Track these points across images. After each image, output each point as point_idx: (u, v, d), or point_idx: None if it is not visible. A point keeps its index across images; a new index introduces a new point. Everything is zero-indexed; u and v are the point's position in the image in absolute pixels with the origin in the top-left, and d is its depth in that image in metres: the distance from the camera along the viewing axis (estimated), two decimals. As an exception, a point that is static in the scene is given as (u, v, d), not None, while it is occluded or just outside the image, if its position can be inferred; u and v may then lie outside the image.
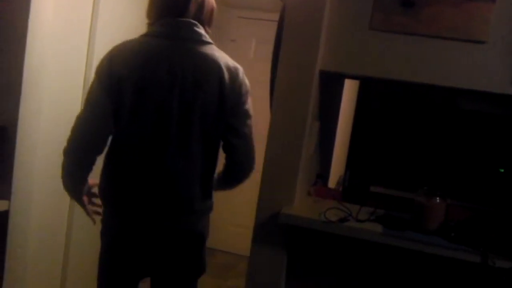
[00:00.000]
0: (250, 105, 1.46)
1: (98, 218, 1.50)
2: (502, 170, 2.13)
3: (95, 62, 2.53)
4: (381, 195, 2.09)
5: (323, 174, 2.13)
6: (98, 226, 1.48)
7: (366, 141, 2.37)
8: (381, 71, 1.67)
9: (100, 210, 1.50)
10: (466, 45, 1.61)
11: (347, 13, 1.69)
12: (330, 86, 2.02)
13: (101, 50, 2.60)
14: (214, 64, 1.37)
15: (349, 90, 2.43)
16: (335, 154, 2.44)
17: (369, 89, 2.38)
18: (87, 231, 2.66)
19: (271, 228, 1.78)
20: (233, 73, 1.41)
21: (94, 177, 1.46)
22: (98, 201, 1.49)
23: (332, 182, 2.31)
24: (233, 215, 4.43)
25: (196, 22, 1.39)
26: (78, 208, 1.58)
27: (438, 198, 1.67)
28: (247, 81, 1.46)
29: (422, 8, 1.61)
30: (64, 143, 1.37)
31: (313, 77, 1.67)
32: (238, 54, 4.49)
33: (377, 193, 2.10)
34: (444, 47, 1.63)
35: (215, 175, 1.51)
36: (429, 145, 2.24)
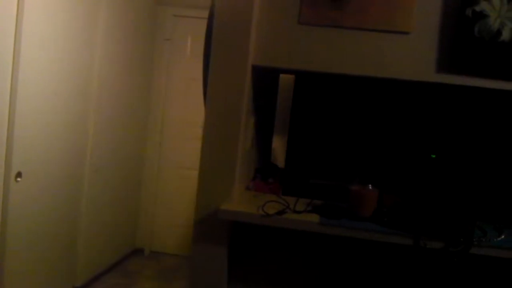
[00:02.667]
0: None
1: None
2: (434, 156, 2.23)
3: (23, 63, 2.38)
4: (319, 187, 2.13)
5: (262, 168, 2.13)
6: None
7: (303, 135, 2.40)
8: (311, 64, 1.70)
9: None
10: (391, 36, 1.67)
11: (276, 8, 1.70)
12: (265, 81, 2.02)
13: (28, 50, 2.50)
14: None
15: (285, 84, 2.46)
16: (275, 148, 2.46)
17: (304, 83, 2.42)
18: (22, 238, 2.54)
19: (211, 225, 1.76)
20: None
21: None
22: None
23: (272, 176, 2.32)
24: (173, 217, 4.37)
25: None
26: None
27: (370, 186, 1.73)
28: None
29: (349, 1, 1.66)
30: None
31: (246, 72, 1.67)
32: (174, 52, 4.43)
33: (315, 185, 2.14)
34: (371, 38, 1.68)
35: None
36: (364, 136, 2.30)
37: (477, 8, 1.62)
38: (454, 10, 1.65)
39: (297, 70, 1.78)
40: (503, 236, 1.70)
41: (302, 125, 2.42)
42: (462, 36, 1.63)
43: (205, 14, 1.89)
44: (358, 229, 1.66)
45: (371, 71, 1.68)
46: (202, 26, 3.27)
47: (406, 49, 1.66)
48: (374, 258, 1.86)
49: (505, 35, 1.61)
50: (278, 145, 2.47)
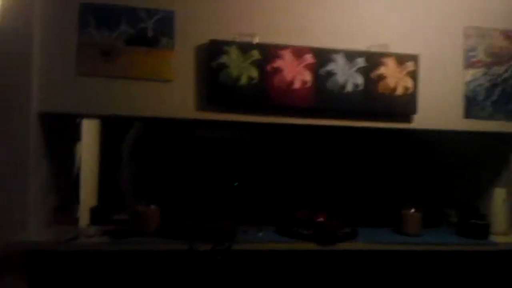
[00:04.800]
0: None
1: None
2: (236, 184, 2.68)
3: None
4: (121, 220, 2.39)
5: (64, 206, 2.33)
6: None
7: (114, 172, 2.67)
8: (91, 108, 2.02)
9: None
10: (158, 83, 2.08)
11: (56, 60, 1.99)
12: (60, 125, 2.27)
13: None
14: None
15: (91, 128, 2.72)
16: (84, 187, 2.67)
17: (110, 126, 2.73)
18: None
19: (8, 258, 1.90)
20: None
21: None
22: None
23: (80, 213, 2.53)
24: None
25: None
26: None
27: (153, 205, 2.08)
28: None
29: (118, 56, 2.04)
30: None
31: (30, 118, 1.92)
32: None
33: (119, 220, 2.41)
34: (141, 86, 2.07)
35: None
36: (170, 167, 2.67)
37: (220, 61, 2.13)
38: (203, 62, 2.13)
39: (81, 114, 2.08)
40: (261, 234, 2.18)
41: (111, 163, 2.70)
42: (211, 82, 2.12)
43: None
44: (143, 243, 1.98)
45: (141, 111, 2.06)
46: None
47: (169, 93, 2.09)
48: (160, 269, 2.19)
49: (243, 81, 2.14)
50: (88, 183, 2.70)
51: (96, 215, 2.31)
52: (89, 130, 2.65)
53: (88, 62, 2.01)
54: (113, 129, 2.73)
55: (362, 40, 2.27)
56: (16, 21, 1.87)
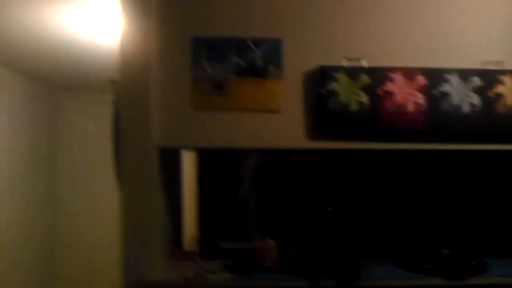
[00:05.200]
0: None
1: None
2: (330, 209, 2.59)
3: None
4: (230, 249, 2.38)
5: (177, 238, 2.34)
6: None
7: (212, 204, 2.66)
8: (205, 142, 2.02)
9: None
10: (267, 114, 2.05)
11: (171, 95, 2.01)
12: (169, 159, 2.29)
13: None
14: None
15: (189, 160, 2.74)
16: (187, 219, 2.68)
17: (206, 158, 2.71)
18: None
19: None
20: None
21: None
22: None
23: (188, 245, 2.54)
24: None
25: None
26: None
27: (268, 240, 2.03)
28: None
29: (230, 89, 2.03)
30: None
31: (151, 152, 1.93)
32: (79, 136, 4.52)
33: (227, 248, 2.38)
34: (252, 117, 2.05)
35: None
36: (266, 197, 2.61)
37: (329, 87, 2.07)
38: (311, 90, 2.08)
39: (196, 148, 2.08)
40: (380, 269, 2.07)
41: (210, 195, 2.68)
42: (320, 110, 2.06)
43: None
44: (267, 279, 1.92)
45: (252, 143, 2.03)
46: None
47: (278, 123, 2.05)
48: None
49: (353, 107, 2.07)
50: (189, 217, 2.70)
51: (204, 246, 2.29)
52: (189, 161, 2.67)
53: (202, 95, 2.02)
54: (208, 159, 2.72)
55: (475, 58, 2.15)
56: (135, 59, 1.92)
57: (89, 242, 4.41)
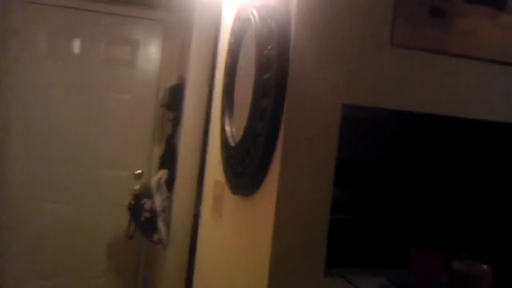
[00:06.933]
0: None
1: None
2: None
3: None
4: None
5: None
6: None
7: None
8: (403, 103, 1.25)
9: None
10: (505, 68, 1.27)
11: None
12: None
13: None
14: None
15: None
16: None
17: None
18: None
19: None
20: None
21: None
22: None
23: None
24: None
25: None
26: None
27: (484, 265, 1.27)
28: None
29: (454, 20, 1.25)
30: None
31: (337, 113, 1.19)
32: (23, 49, 3.25)
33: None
34: (477, 70, 1.28)
35: None
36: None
37: None
38: None
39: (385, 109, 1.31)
40: None
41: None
42: None
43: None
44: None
45: (466, 111, 1.26)
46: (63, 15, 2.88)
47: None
48: None
49: None
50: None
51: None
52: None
53: (410, 25, 1.24)
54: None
55: None
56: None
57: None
